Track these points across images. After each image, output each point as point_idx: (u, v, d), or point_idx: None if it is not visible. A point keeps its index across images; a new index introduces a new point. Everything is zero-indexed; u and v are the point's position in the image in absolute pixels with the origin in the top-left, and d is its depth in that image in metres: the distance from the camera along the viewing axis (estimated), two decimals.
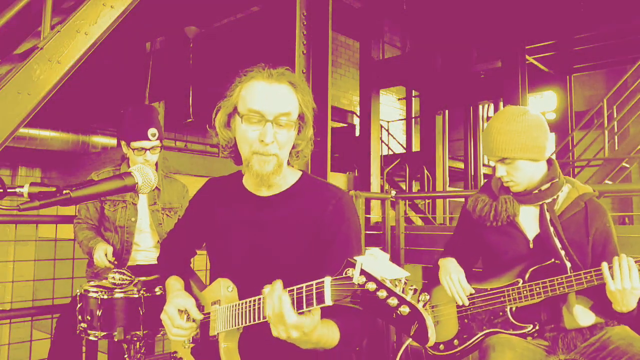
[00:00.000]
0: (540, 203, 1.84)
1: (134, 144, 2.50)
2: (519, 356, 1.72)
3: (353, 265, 0.98)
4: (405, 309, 0.91)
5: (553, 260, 1.77)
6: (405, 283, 0.95)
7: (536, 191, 1.85)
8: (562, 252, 1.78)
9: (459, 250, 2.07)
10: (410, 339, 0.94)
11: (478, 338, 1.89)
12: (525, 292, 1.79)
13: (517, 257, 1.85)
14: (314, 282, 1.04)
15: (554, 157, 1.92)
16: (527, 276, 1.81)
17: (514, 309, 1.83)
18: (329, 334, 1.19)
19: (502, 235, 1.89)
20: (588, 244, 1.80)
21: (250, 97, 1.29)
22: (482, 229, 1.94)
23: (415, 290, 0.95)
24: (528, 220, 1.88)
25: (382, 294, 0.93)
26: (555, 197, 1.84)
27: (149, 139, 2.49)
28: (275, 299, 1.07)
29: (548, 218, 1.82)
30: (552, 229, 1.81)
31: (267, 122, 1.27)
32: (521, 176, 1.82)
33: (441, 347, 1.97)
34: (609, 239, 1.80)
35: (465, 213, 2.03)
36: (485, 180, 2.09)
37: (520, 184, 1.84)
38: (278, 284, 1.10)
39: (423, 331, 0.91)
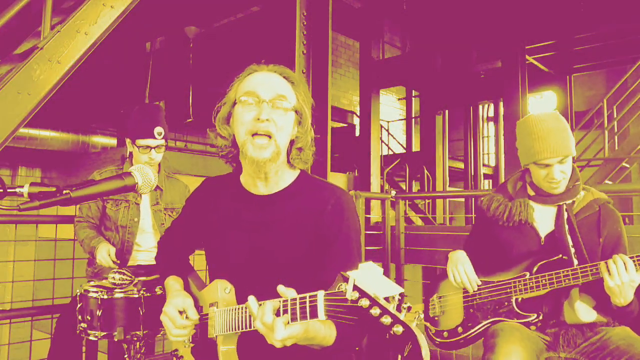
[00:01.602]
0: (561, 203, 1.88)
1: (140, 142, 2.51)
2: (525, 339, 1.76)
3: (347, 280, 0.96)
4: (398, 329, 0.89)
5: (561, 255, 1.81)
6: (400, 300, 0.93)
7: (560, 192, 1.88)
8: (572, 250, 1.81)
9: (473, 249, 2.09)
10: None
11: (482, 326, 1.92)
12: (530, 283, 1.82)
13: (527, 252, 1.89)
14: (307, 295, 1.03)
15: None
16: (534, 270, 1.84)
17: (519, 299, 1.86)
18: (324, 332, 1.18)
19: (514, 231, 1.93)
20: (599, 245, 1.82)
21: (246, 84, 1.32)
22: (495, 227, 1.98)
23: (409, 308, 0.92)
24: (543, 219, 1.91)
25: (375, 311, 0.90)
26: (575, 199, 1.88)
27: (155, 137, 2.50)
28: (266, 317, 1.07)
29: (565, 217, 1.85)
30: (567, 227, 1.84)
31: (263, 102, 1.28)
32: (568, 175, 1.85)
33: (445, 334, 2.02)
34: (619, 242, 1.83)
35: (479, 212, 2.07)
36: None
37: (564, 185, 1.86)
38: (268, 304, 1.09)
39: (417, 352, 0.89)
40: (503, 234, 1.95)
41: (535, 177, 1.89)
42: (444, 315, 2.04)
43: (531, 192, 1.95)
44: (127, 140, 2.60)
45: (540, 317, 1.83)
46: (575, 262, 1.79)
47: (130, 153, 2.65)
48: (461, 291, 2.00)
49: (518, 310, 1.86)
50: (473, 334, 1.95)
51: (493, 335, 1.80)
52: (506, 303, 1.88)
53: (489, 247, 2.03)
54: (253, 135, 1.27)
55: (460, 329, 1.98)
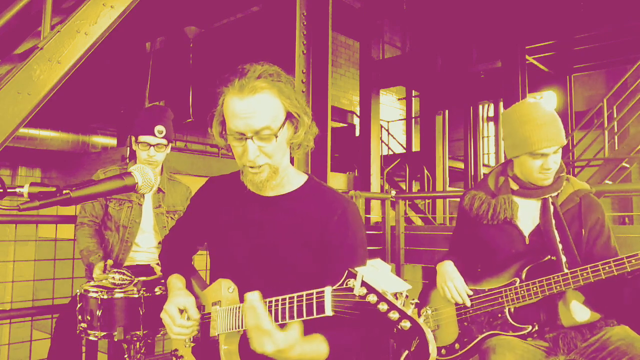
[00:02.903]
0: (546, 196, 1.84)
1: (140, 138, 2.53)
2: (519, 358, 1.71)
3: (354, 276, 0.96)
4: (406, 324, 0.90)
5: (549, 257, 1.78)
6: (407, 297, 0.94)
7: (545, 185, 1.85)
8: (560, 246, 1.78)
9: (460, 250, 2.06)
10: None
11: (477, 341, 1.88)
12: (522, 292, 1.79)
13: (514, 254, 1.85)
14: (314, 292, 1.03)
15: None
16: (523, 275, 1.81)
17: (512, 309, 1.83)
18: (313, 350, 1.18)
19: (498, 231, 1.89)
20: (583, 239, 1.80)
21: (228, 115, 1.27)
22: (479, 227, 1.93)
23: (417, 304, 0.94)
24: (526, 215, 1.88)
25: (383, 307, 0.91)
26: (559, 191, 1.85)
27: (154, 135, 2.52)
28: (255, 306, 1.10)
29: (551, 210, 1.82)
30: (554, 221, 1.80)
31: (248, 139, 1.25)
32: (559, 164, 1.83)
33: (443, 351, 1.96)
34: (601, 232, 1.81)
35: (462, 211, 2.02)
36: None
37: (553, 174, 1.83)
38: (256, 294, 1.12)
39: (424, 347, 0.90)
40: (487, 235, 1.91)
41: (526, 168, 1.83)
42: (440, 329, 1.99)
43: (514, 187, 1.91)
44: (132, 139, 2.61)
45: (536, 328, 1.78)
46: (564, 258, 1.76)
47: (134, 152, 2.66)
48: (454, 303, 1.95)
49: (513, 322, 1.81)
50: (470, 349, 1.91)
51: (485, 356, 1.75)
52: (499, 315, 1.84)
53: (474, 250, 2.00)
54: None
55: (457, 346, 1.93)
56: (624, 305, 1.74)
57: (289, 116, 1.30)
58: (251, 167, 1.28)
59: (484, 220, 1.90)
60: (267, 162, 1.28)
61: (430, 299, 2.05)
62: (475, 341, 1.88)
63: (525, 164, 1.82)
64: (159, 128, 2.53)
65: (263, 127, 1.24)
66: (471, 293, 1.91)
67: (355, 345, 1.27)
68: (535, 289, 1.76)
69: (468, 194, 1.99)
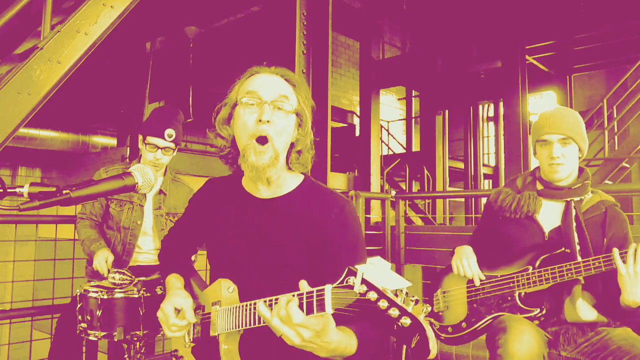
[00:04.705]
0: (568, 200, 1.90)
1: (149, 139, 2.51)
2: (534, 330, 1.74)
3: (354, 274, 0.97)
4: (406, 320, 0.91)
5: (563, 249, 1.82)
6: (407, 294, 0.94)
7: (568, 187, 1.91)
8: (578, 247, 1.82)
9: (478, 244, 2.11)
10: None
11: (486, 321, 1.93)
12: (534, 277, 1.84)
13: (531, 246, 1.90)
14: (314, 290, 1.03)
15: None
16: (537, 263, 1.85)
17: (522, 294, 1.88)
18: (346, 341, 1.15)
19: (518, 226, 1.95)
20: (602, 247, 1.83)
21: (249, 84, 1.33)
22: (500, 221, 2.00)
23: (417, 301, 0.94)
24: (549, 215, 1.93)
25: (383, 304, 0.92)
26: (583, 197, 1.91)
27: (164, 138, 2.50)
28: (282, 305, 1.04)
29: (573, 213, 1.87)
30: (574, 224, 1.86)
31: (265, 103, 1.28)
32: (570, 163, 1.88)
33: (449, 329, 2.03)
34: (624, 243, 1.82)
35: (487, 206, 2.10)
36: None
37: (566, 171, 1.89)
38: (283, 298, 1.06)
39: (424, 343, 0.91)
40: (507, 229, 1.98)
41: (540, 162, 1.93)
42: (448, 310, 2.06)
43: (540, 187, 1.98)
44: (140, 138, 2.60)
45: (544, 312, 1.83)
46: (580, 260, 1.79)
47: (136, 151, 2.66)
48: (465, 286, 2.02)
49: (521, 305, 1.86)
50: (477, 329, 1.96)
51: (501, 321, 1.79)
52: (509, 298, 1.90)
53: (493, 242, 2.05)
54: (256, 139, 1.27)
55: (464, 324, 1.99)
56: (637, 314, 1.74)
57: (298, 115, 1.34)
58: (259, 138, 1.26)
59: (506, 213, 1.98)
60: (272, 138, 1.27)
61: (443, 283, 2.12)
62: (483, 321, 1.93)
63: (540, 157, 1.93)
64: (169, 132, 2.50)
65: (282, 95, 1.30)
66: (484, 278, 1.96)
67: (375, 340, 1.25)
68: (546, 275, 1.81)
69: (496, 190, 2.09)
